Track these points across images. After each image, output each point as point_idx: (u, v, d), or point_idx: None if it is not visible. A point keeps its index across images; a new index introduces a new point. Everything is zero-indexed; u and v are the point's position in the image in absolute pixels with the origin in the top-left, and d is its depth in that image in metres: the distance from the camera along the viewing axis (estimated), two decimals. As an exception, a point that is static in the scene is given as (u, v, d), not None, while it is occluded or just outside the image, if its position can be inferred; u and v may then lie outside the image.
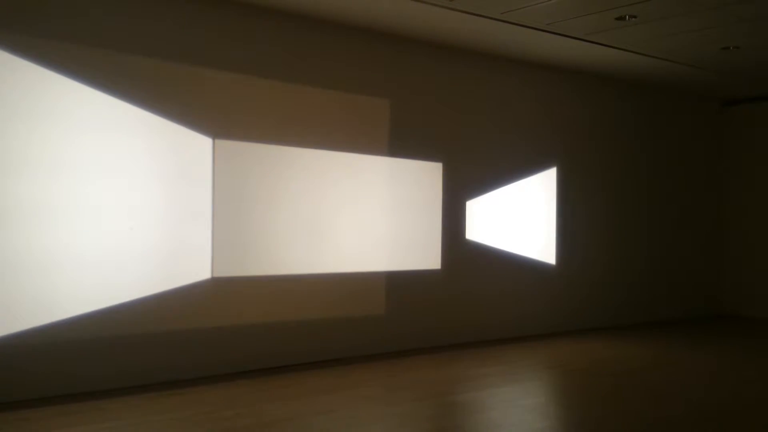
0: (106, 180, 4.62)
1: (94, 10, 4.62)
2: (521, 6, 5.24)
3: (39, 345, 4.39)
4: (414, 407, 4.48)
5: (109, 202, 4.63)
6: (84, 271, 4.54)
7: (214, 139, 5.11)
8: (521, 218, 7.03)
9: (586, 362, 5.97)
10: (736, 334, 7.74)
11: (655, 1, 5.09)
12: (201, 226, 5.04)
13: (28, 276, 4.33)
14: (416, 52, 6.24)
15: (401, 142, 6.14)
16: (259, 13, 5.30)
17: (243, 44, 5.26)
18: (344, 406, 4.41)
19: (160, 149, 4.87)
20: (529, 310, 7.15)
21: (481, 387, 5.02)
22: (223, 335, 5.17)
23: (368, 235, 5.94)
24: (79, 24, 4.56)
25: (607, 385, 5.23)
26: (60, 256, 4.44)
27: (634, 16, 5.44)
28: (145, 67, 4.81)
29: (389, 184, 6.08)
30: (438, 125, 6.41)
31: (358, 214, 5.87)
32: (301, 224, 5.53)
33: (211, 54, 5.11)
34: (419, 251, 6.29)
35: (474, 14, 5.43)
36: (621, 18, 5.49)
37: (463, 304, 6.59)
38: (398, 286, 6.13)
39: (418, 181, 6.27)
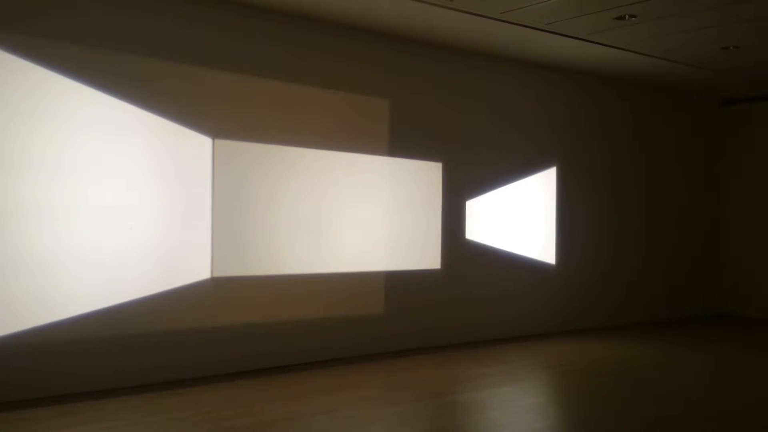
0: (106, 180, 4.61)
1: (94, 10, 4.62)
2: (521, 6, 5.24)
3: (38, 345, 4.39)
4: (414, 407, 4.48)
5: (108, 202, 4.63)
6: (84, 271, 4.54)
7: (213, 138, 5.11)
8: (521, 218, 7.03)
9: (585, 362, 5.98)
10: (735, 334, 7.75)
11: (654, 0, 5.09)
12: (201, 226, 5.04)
13: (29, 276, 4.33)
14: (416, 52, 6.25)
15: (401, 142, 6.14)
16: (259, 13, 5.30)
17: (243, 44, 5.26)
18: (344, 406, 4.41)
19: (160, 149, 4.87)
20: (529, 309, 7.15)
21: (481, 387, 5.02)
22: (222, 335, 5.17)
23: (368, 235, 5.94)
24: (79, 24, 4.56)
25: (607, 384, 5.23)
26: (60, 256, 4.44)
27: (634, 16, 5.45)
28: (145, 67, 4.81)
29: (389, 184, 6.08)
30: (438, 125, 6.41)
31: (357, 214, 5.87)
32: (300, 224, 5.53)
33: (211, 54, 5.11)
34: (419, 251, 6.30)
35: (474, 14, 5.43)
36: (620, 17, 5.49)
37: (463, 303, 6.59)
38: (398, 285, 6.14)
39: (418, 180, 6.27)
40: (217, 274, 5.13)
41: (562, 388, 5.31)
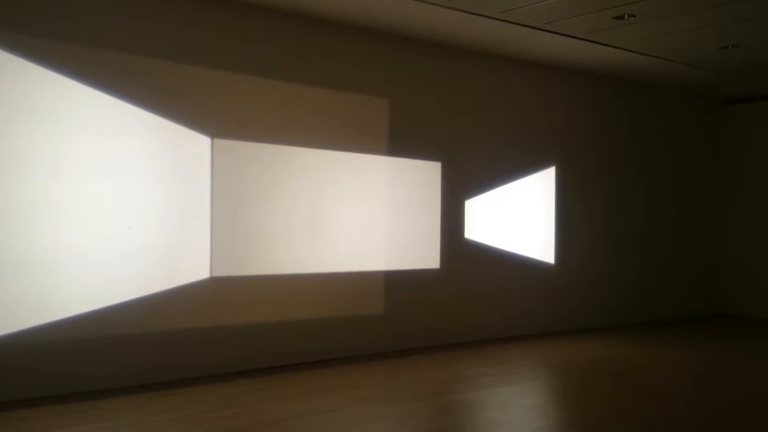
0: (106, 180, 4.62)
1: (94, 10, 4.62)
2: (520, 5, 5.25)
3: (38, 344, 4.39)
4: (413, 407, 4.49)
5: (108, 202, 4.63)
6: (83, 271, 4.54)
7: (212, 138, 5.11)
8: (520, 217, 7.03)
9: (584, 362, 5.98)
10: (734, 334, 7.75)
11: (653, 0, 5.09)
12: (200, 226, 5.04)
13: (29, 276, 4.33)
14: (416, 52, 6.25)
15: (400, 142, 6.14)
16: (259, 13, 5.30)
17: (243, 44, 5.26)
18: (344, 406, 4.41)
19: (159, 149, 4.87)
20: (528, 309, 7.15)
21: (481, 386, 5.03)
22: (221, 335, 5.17)
23: (367, 235, 5.95)
24: (79, 24, 4.56)
25: (606, 384, 5.23)
26: (60, 256, 4.44)
27: (633, 15, 5.45)
28: (145, 67, 4.81)
29: (388, 184, 6.08)
30: (437, 125, 6.42)
31: (357, 214, 5.88)
32: (299, 223, 5.54)
33: (210, 54, 5.11)
34: (418, 250, 6.30)
35: (473, 13, 5.43)
36: (620, 17, 5.49)
37: (462, 303, 6.60)
38: (397, 285, 6.14)
39: (417, 180, 6.28)
40: (216, 274, 5.13)
41: (561, 388, 5.31)
